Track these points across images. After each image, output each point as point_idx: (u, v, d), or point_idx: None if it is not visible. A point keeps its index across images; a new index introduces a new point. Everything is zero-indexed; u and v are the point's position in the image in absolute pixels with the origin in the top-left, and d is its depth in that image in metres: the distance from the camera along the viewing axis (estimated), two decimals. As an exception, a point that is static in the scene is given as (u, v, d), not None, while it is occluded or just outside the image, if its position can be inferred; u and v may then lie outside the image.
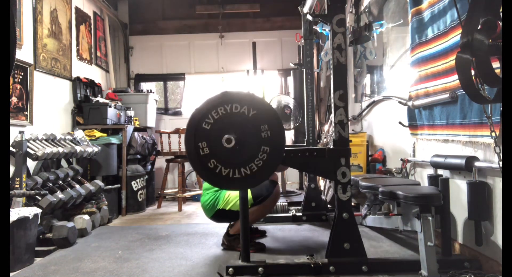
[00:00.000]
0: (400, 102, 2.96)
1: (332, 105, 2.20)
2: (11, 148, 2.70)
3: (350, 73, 4.29)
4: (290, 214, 3.46)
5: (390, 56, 3.54)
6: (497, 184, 1.94)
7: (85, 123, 3.99)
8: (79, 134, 3.61)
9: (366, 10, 3.89)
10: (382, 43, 3.65)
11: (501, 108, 1.80)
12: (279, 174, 4.54)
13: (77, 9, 4.24)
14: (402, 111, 2.93)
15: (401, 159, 2.96)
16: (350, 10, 3.98)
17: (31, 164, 3.07)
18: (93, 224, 3.26)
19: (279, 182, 3.36)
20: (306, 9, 3.50)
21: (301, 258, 2.16)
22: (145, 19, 5.63)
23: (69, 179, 3.23)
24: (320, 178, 3.90)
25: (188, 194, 4.62)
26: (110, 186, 3.76)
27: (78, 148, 3.30)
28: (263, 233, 2.99)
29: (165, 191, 4.60)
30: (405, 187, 2.22)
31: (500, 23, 1.39)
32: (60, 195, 2.90)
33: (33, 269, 2.32)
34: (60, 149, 3.08)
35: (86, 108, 4.00)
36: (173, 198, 5.03)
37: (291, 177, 5.32)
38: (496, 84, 1.46)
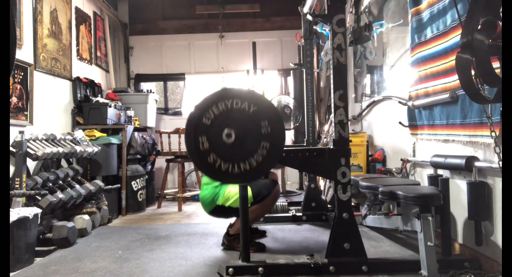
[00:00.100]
0: (400, 102, 2.96)
1: (332, 105, 2.20)
2: (11, 148, 2.70)
3: (350, 73, 4.29)
4: (290, 214, 3.46)
5: (390, 56, 3.54)
6: (497, 184, 1.94)
7: (85, 123, 3.99)
8: (79, 134, 3.61)
9: (366, 10, 3.89)
10: (382, 43, 3.65)
11: (501, 108, 1.80)
12: (279, 174, 4.55)
13: (77, 9, 4.24)
14: (402, 111, 2.93)
15: (401, 159, 2.96)
16: (350, 10, 3.98)
17: (31, 164, 3.07)
18: (93, 224, 3.26)
19: (279, 182, 3.36)
20: (306, 9, 3.50)
21: (301, 258, 2.16)
22: (145, 19, 5.63)
23: (69, 179, 3.23)
24: (320, 178, 3.90)
25: (188, 194, 4.62)
26: (110, 186, 3.76)
27: (78, 148, 3.30)
28: (263, 233, 2.99)
29: (165, 191, 4.60)
30: (405, 187, 2.22)
31: (500, 23, 1.39)
32: (60, 195, 2.90)
33: (33, 269, 2.32)
34: (60, 149, 3.08)
35: (86, 108, 4.00)
36: (173, 198, 5.03)
37: (291, 177, 5.32)
38: (496, 84, 1.46)
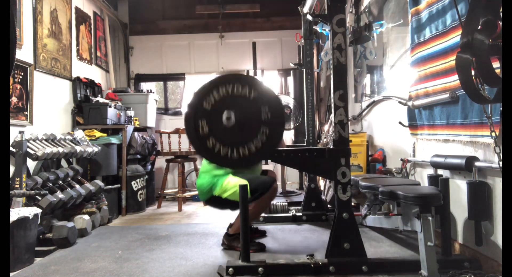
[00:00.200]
0: (400, 102, 2.96)
1: (332, 105, 2.20)
2: (11, 148, 2.70)
3: (350, 73, 4.29)
4: (290, 214, 3.46)
5: (390, 56, 3.54)
6: (497, 184, 1.94)
7: (85, 123, 3.99)
8: (79, 134, 3.61)
9: (366, 10, 3.89)
10: (382, 43, 3.64)
11: (501, 108, 1.80)
12: (279, 174, 4.55)
13: (77, 9, 4.24)
14: (402, 111, 2.93)
15: (401, 159, 2.96)
16: (350, 10, 3.98)
17: (31, 164, 3.07)
18: (93, 224, 3.26)
19: (279, 182, 3.36)
20: (306, 9, 3.50)
21: (301, 258, 2.16)
22: (145, 19, 5.63)
23: (69, 179, 3.23)
24: (320, 178, 3.90)
25: (188, 194, 4.62)
26: (110, 186, 3.76)
27: (78, 148, 3.30)
28: (263, 233, 2.99)
29: (165, 191, 4.60)
30: (405, 187, 2.22)
31: (500, 23, 1.39)
32: (60, 195, 2.90)
33: (33, 269, 2.32)
34: (60, 149, 3.08)
35: (86, 108, 4.00)
36: (173, 198, 5.03)
37: (291, 177, 5.31)
38: (496, 84, 1.46)
